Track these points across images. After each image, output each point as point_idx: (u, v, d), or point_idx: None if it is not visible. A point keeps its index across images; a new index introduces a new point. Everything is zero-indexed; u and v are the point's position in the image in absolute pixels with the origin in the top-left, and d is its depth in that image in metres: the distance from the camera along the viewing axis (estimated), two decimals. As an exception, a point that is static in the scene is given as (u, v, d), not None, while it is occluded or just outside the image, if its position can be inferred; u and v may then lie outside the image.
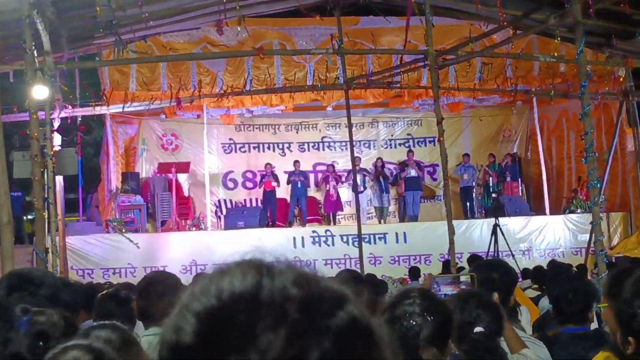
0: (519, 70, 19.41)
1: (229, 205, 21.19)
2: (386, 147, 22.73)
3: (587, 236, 16.15)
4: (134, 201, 19.01)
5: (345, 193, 21.30)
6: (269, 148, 22.27)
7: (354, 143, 17.16)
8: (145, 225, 19.13)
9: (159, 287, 4.33)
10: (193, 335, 0.93)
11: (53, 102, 13.51)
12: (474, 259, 12.70)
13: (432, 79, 12.21)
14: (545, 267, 11.44)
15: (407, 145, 22.56)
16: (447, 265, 12.03)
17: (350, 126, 16.01)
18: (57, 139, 15.16)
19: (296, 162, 20.45)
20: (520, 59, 17.91)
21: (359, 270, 14.11)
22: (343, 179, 21.07)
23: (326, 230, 18.59)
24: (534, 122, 21.11)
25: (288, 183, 20.16)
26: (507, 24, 14.36)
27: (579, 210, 19.25)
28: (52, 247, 12.02)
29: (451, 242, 11.32)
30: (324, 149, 22.57)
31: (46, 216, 11.54)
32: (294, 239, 18.16)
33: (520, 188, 21.01)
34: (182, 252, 17.40)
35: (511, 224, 18.19)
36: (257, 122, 22.03)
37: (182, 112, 19.96)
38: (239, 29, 16.02)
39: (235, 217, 18.99)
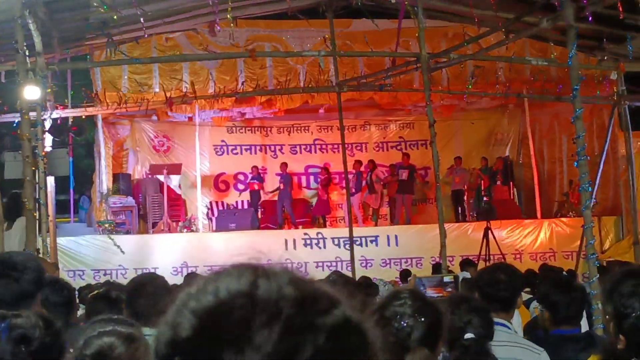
0: (511, 73, 19.41)
1: (220, 207, 21.16)
2: (378, 150, 22.74)
3: (579, 240, 16.14)
4: (125, 202, 18.97)
5: (337, 195, 21.33)
6: (260, 150, 22.27)
7: (346, 145, 17.17)
8: (137, 227, 19.10)
9: (148, 288, 4.34)
10: (190, 331, 0.95)
11: (45, 102, 13.46)
12: (466, 263, 12.73)
13: (424, 82, 12.22)
14: (536, 271, 11.44)
15: (399, 148, 22.59)
16: (437, 268, 12.02)
17: (342, 128, 16.01)
18: (48, 139, 15.10)
19: (282, 165, 20.52)
20: (512, 62, 17.94)
21: (349, 273, 14.16)
22: (335, 181, 21.09)
23: (317, 233, 18.56)
24: (526, 126, 21.16)
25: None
26: (499, 27, 14.37)
27: (570, 214, 19.29)
28: (43, 248, 11.97)
29: (442, 245, 11.32)
30: (315, 152, 22.57)
31: (37, 217, 11.50)
32: (286, 241, 18.11)
33: (511, 191, 21.04)
34: (173, 253, 17.37)
35: (503, 227, 18.23)
36: (249, 124, 22.02)
37: (174, 114, 19.91)
38: (232, 26, 15.94)
39: (226, 219, 18.99)
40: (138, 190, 19.93)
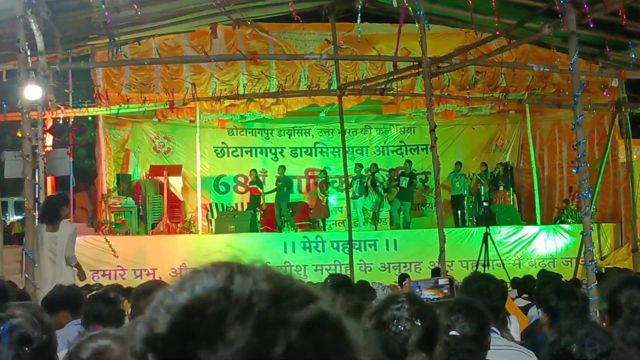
0: (513, 79, 19.40)
1: (220, 209, 21.15)
2: (379, 154, 22.74)
3: (578, 247, 16.13)
4: (125, 203, 18.96)
5: (337, 200, 21.33)
6: (261, 152, 22.28)
7: (347, 149, 17.16)
8: (136, 228, 19.07)
9: (155, 294, 4.35)
10: (165, 327, 0.94)
11: (46, 102, 13.46)
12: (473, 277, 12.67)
13: (426, 87, 12.22)
14: (535, 277, 11.41)
15: (399, 152, 22.60)
16: (436, 273, 12.00)
17: (343, 132, 15.99)
18: (49, 139, 15.11)
19: (280, 168, 20.53)
20: (514, 68, 17.92)
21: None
22: (335, 184, 21.08)
23: (317, 236, 18.55)
24: (527, 132, 21.17)
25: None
26: (501, 33, 14.37)
27: (570, 221, 19.27)
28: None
29: (442, 250, 11.32)
30: (316, 155, 22.57)
31: (36, 216, 11.48)
32: (285, 244, 18.11)
33: (511, 197, 21.03)
34: (172, 255, 17.31)
35: (502, 233, 18.22)
36: (250, 127, 22.02)
37: (175, 116, 19.88)
38: (234, 28, 15.95)
39: (226, 221, 18.96)
40: (138, 192, 19.90)
